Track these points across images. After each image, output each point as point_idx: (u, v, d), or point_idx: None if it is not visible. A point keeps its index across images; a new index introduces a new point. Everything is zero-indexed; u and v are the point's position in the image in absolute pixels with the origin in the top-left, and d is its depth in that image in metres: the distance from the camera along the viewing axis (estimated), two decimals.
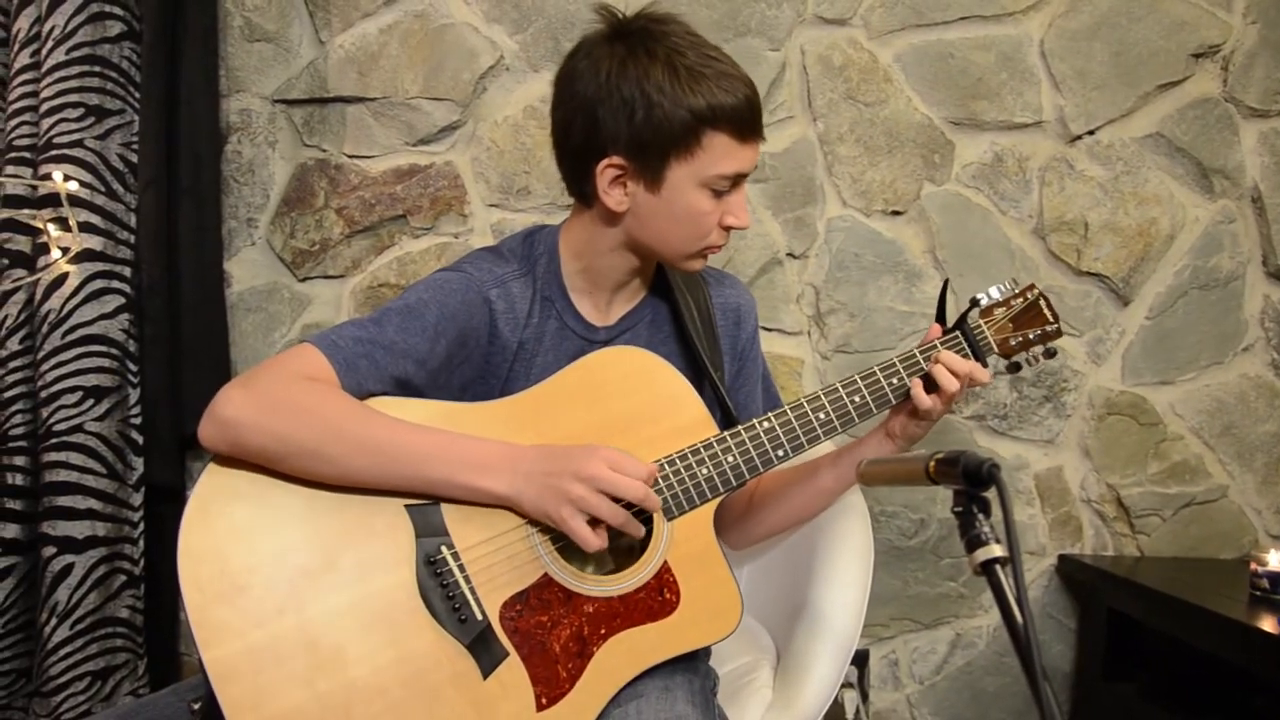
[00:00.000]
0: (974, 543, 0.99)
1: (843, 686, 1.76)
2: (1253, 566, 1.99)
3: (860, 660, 2.26)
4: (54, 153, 2.14)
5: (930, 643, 2.46)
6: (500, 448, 1.32)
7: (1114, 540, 2.44)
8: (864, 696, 2.21)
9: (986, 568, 0.98)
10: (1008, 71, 2.39)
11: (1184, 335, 2.40)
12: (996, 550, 0.98)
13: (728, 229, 1.44)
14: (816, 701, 1.54)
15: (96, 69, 2.19)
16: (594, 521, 1.29)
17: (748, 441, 1.43)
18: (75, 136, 2.16)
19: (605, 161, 1.38)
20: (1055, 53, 2.38)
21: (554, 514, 1.28)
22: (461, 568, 1.29)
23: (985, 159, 2.41)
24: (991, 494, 1.00)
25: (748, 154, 1.40)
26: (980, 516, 1.00)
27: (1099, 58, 2.38)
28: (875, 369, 1.50)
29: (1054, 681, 2.45)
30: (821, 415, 1.46)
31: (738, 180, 1.42)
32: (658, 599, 1.36)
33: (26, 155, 2.19)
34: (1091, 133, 2.39)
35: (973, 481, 1.00)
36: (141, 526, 2.26)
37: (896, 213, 2.42)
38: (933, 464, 1.05)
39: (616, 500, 1.29)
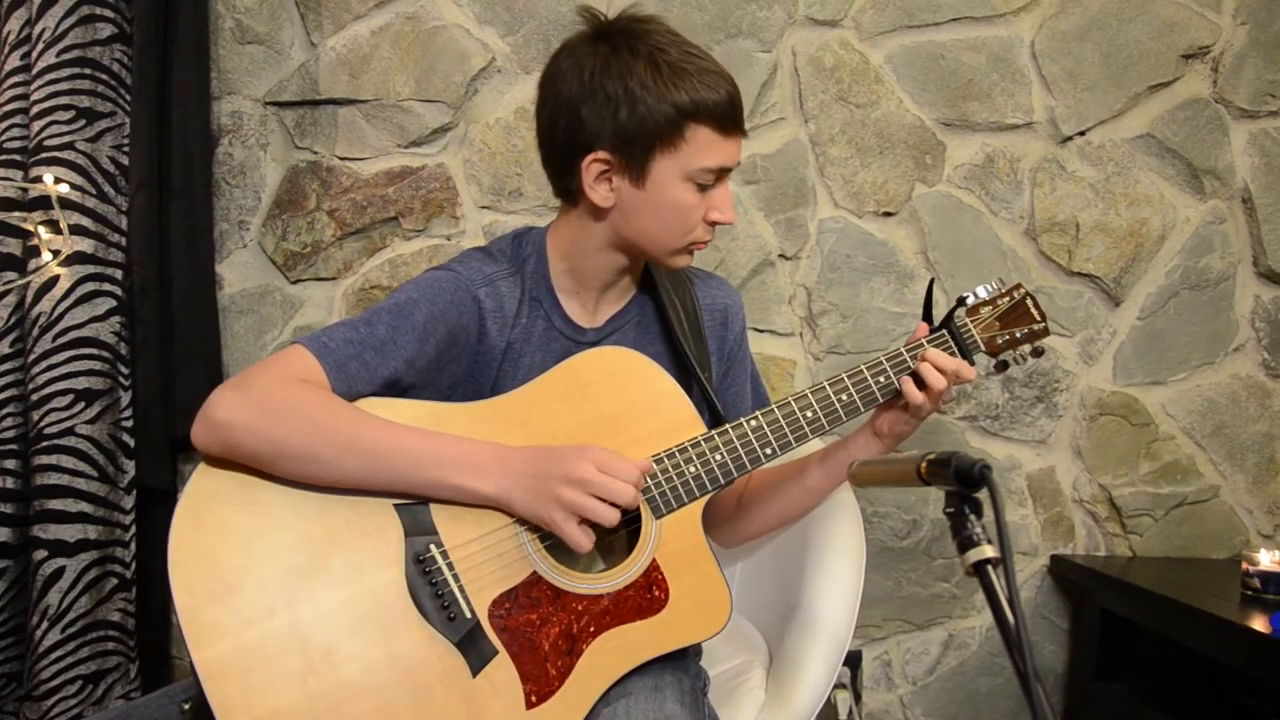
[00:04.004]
0: (966, 543, 1.00)
1: (835, 687, 1.76)
2: (1244, 566, 2.00)
3: (853, 661, 2.26)
4: (45, 155, 2.14)
5: (923, 643, 2.46)
6: (490, 449, 1.32)
7: (1106, 540, 2.44)
8: (857, 697, 2.21)
9: (978, 568, 0.98)
10: (999, 73, 2.39)
11: (1175, 335, 2.41)
12: (988, 551, 0.98)
13: (713, 224, 1.46)
14: (809, 702, 1.54)
15: (87, 71, 2.18)
16: (582, 520, 1.29)
17: (735, 440, 1.44)
18: (66, 139, 2.16)
19: (590, 157, 1.40)
20: (1046, 54, 2.39)
21: (545, 516, 1.29)
22: (450, 566, 1.29)
23: (976, 160, 2.41)
24: (983, 495, 1.01)
25: (730, 148, 1.42)
26: (972, 517, 1.00)
27: (1089, 59, 2.39)
28: (862, 368, 1.51)
29: (1046, 682, 2.45)
30: (809, 414, 1.47)
31: (721, 174, 1.44)
32: (646, 596, 1.36)
33: (17, 158, 2.18)
34: (1082, 133, 2.40)
35: (964, 482, 1.00)
36: (133, 529, 2.26)
37: (888, 214, 2.42)
38: (924, 465, 1.06)
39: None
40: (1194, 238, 2.40)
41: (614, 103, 1.37)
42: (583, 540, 1.28)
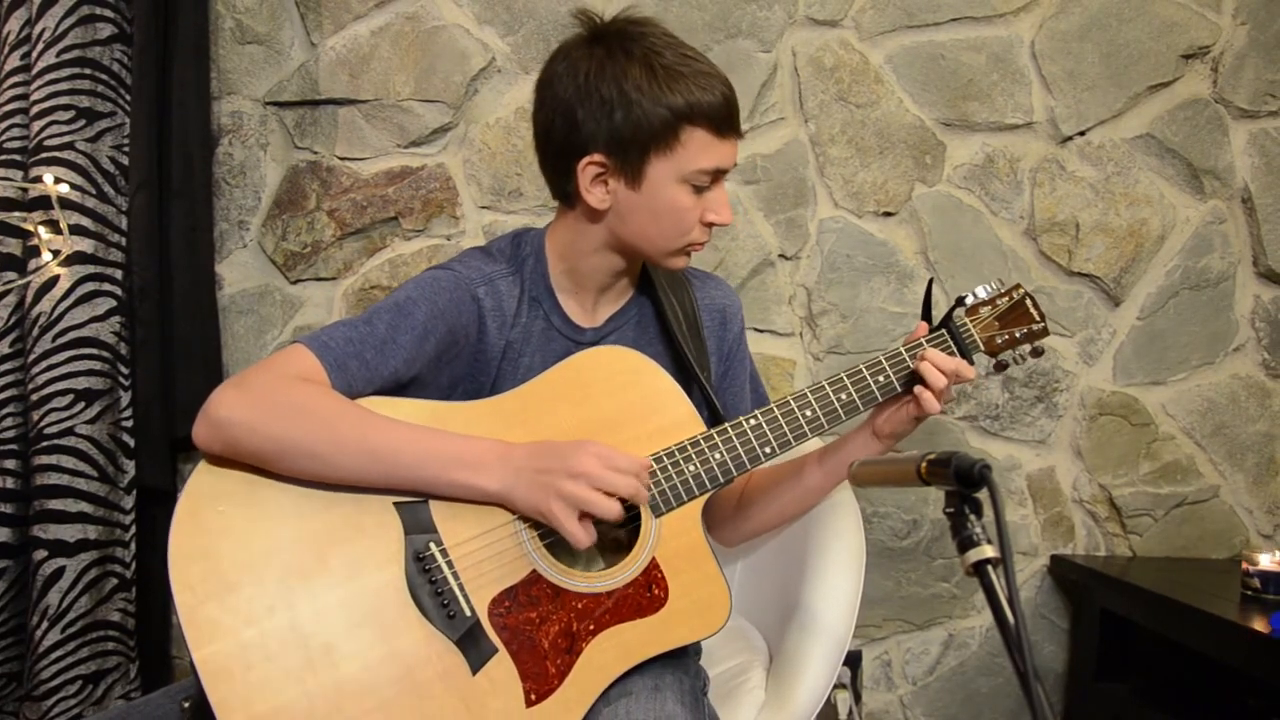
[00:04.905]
0: (966, 543, 1.00)
1: (835, 687, 1.76)
2: (1244, 566, 2.00)
3: (853, 661, 2.26)
4: (45, 155, 2.14)
5: (923, 643, 2.46)
6: (492, 445, 1.32)
7: (1106, 540, 2.44)
8: (857, 697, 2.21)
9: (978, 568, 0.98)
10: (999, 73, 2.40)
11: (1175, 335, 2.41)
12: (988, 551, 0.98)
13: (709, 225, 1.46)
14: (809, 702, 1.54)
15: (87, 71, 2.18)
16: (583, 516, 1.29)
17: (735, 439, 1.44)
18: (66, 139, 2.16)
19: (586, 159, 1.41)
20: (1046, 54, 2.39)
21: (545, 510, 1.28)
22: (450, 564, 1.30)
23: (976, 160, 2.41)
24: (983, 495, 1.01)
25: (726, 149, 1.43)
26: (972, 517, 1.00)
27: (1089, 59, 2.39)
28: (862, 367, 1.51)
29: (1046, 682, 2.44)
30: (808, 413, 1.47)
31: (717, 176, 1.44)
32: (646, 595, 1.36)
33: (17, 158, 2.18)
34: (1082, 134, 2.40)
35: (964, 482, 1.01)
36: (133, 529, 2.25)
37: (888, 214, 2.42)
38: (924, 465, 1.06)
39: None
40: (1194, 238, 2.40)
41: (609, 105, 1.37)
42: (582, 535, 1.28)
